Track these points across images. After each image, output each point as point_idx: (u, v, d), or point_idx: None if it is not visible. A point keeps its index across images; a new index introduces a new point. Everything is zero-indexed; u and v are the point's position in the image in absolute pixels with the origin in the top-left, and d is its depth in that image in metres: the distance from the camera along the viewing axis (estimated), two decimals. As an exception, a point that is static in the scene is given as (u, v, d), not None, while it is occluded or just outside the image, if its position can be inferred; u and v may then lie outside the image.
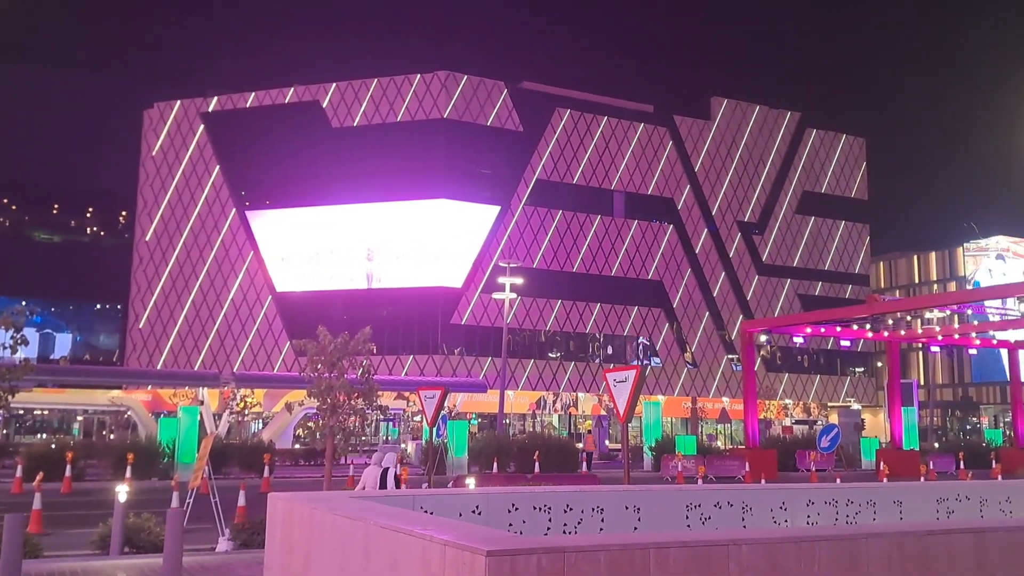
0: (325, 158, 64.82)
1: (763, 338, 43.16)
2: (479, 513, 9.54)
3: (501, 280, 47.23)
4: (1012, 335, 42.99)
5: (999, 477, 29.65)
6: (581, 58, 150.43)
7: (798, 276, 76.40)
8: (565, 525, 9.97)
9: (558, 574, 5.33)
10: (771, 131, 77.39)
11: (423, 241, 62.56)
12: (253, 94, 68.16)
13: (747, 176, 75.68)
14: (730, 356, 71.08)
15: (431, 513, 9.03)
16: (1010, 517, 13.35)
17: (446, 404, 45.91)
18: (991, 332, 43.69)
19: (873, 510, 12.48)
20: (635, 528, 10.37)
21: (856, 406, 71.81)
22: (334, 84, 66.93)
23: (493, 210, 64.57)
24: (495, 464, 30.33)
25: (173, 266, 67.07)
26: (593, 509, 10.27)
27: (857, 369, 77.97)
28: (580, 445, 39.46)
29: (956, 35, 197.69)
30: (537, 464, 30.38)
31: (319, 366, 16.86)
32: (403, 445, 42.96)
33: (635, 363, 63.60)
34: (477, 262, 63.32)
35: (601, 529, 10.12)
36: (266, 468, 26.65)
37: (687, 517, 10.86)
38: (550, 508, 9.98)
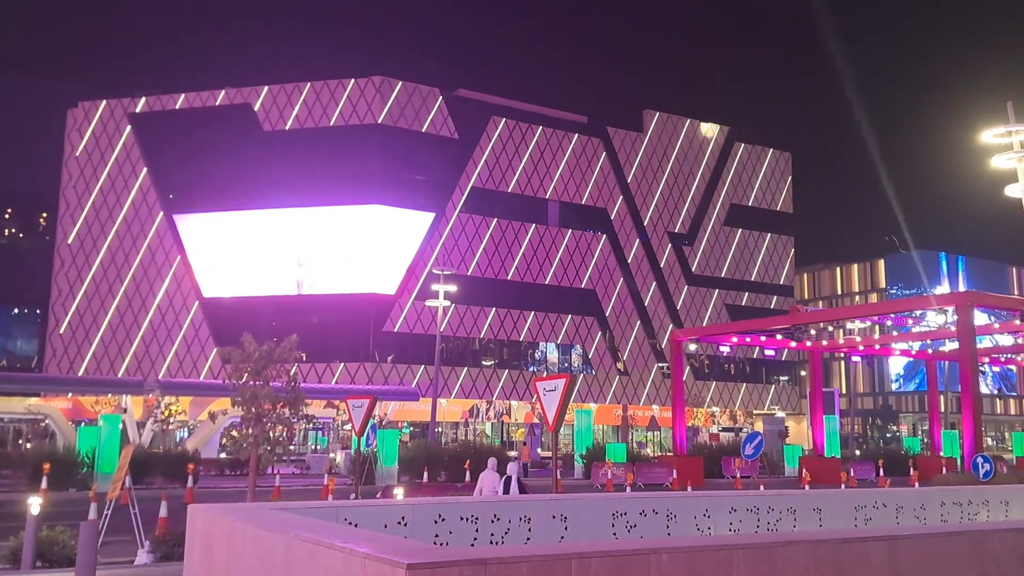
0: (256, 162, 63.78)
1: (692, 347, 43.85)
2: (405, 524, 9.45)
3: (435, 287, 47.08)
4: (930, 346, 44.57)
5: (916, 484, 30.57)
6: (517, 68, 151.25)
7: (726, 286, 77.95)
8: (492, 535, 9.94)
9: (481, 587, 5.31)
10: (701, 144, 78.90)
11: (355, 247, 61.96)
12: (183, 95, 66.72)
13: (677, 188, 76.99)
14: (660, 364, 72.06)
15: (355, 525, 8.92)
16: (924, 524, 13.81)
17: (376, 413, 45.53)
18: (910, 343, 45.25)
19: (793, 517, 12.76)
20: (562, 537, 10.41)
21: (780, 414, 73.45)
22: (266, 87, 65.93)
23: (427, 217, 64.37)
24: (425, 473, 30.12)
25: (96, 270, 65.15)
26: (520, 519, 10.27)
27: (782, 378, 79.84)
28: (513, 453, 39.48)
29: (879, 53, 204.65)
30: (468, 473, 30.29)
31: (244, 374, 16.56)
32: (331, 455, 42.40)
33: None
34: (411, 269, 63.01)
35: (528, 539, 10.13)
36: (190, 478, 26.00)
37: (613, 525, 10.95)
38: (477, 518, 9.95)
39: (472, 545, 9.55)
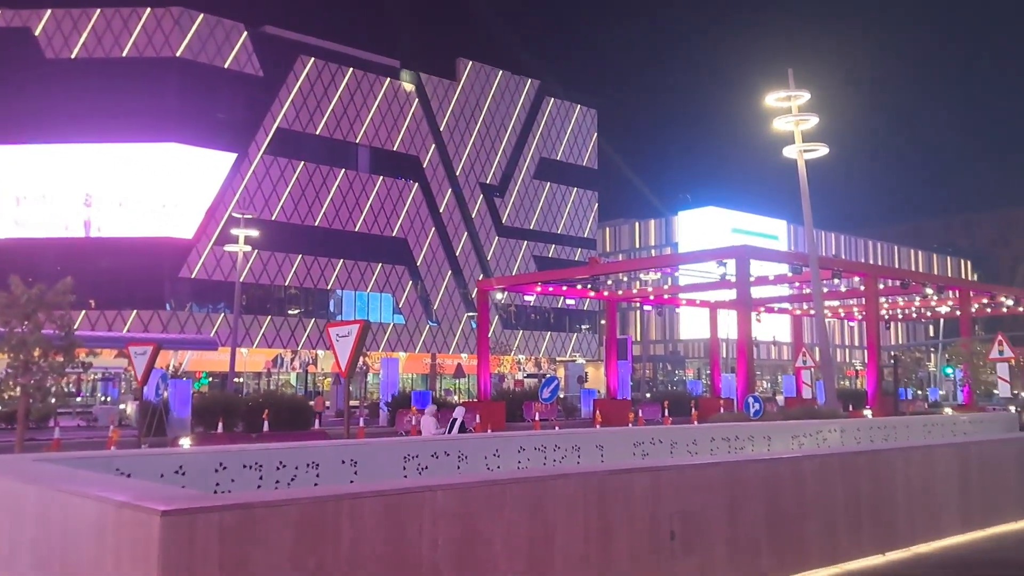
0: (37, 92, 58.29)
1: (499, 296, 44.79)
2: (183, 473, 9.11)
3: (235, 232, 45.19)
4: (712, 296, 47.84)
5: (696, 423, 32.86)
6: (327, 6, 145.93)
7: (534, 238, 79.90)
8: (277, 483, 9.77)
9: (244, 532, 5.19)
10: (512, 96, 79.75)
11: (150, 188, 58.33)
12: (-55, 12, 59.68)
13: (489, 139, 77.63)
14: (470, 314, 73.12)
15: (128, 475, 8.51)
16: (694, 456, 14.91)
17: (172, 362, 43.47)
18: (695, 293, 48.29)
19: (578, 454, 13.40)
20: (351, 481, 10.40)
21: (581, 360, 76.72)
22: (49, 11, 60.12)
23: (229, 157, 61.41)
24: (220, 424, 29.19)
25: None
26: (308, 465, 10.14)
27: (584, 326, 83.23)
28: (312, 403, 39.05)
29: (681, 21, 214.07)
30: (266, 423, 29.64)
31: (11, 320, 15.22)
32: (122, 406, 40.15)
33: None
34: (210, 212, 60.06)
35: (316, 485, 10.05)
36: (-46, 434, 23.83)
37: (404, 468, 11.05)
38: (261, 466, 9.73)
39: (255, 492, 9.34)
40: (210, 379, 58.02)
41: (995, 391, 33.53)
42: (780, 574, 8.76)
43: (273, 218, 61.99)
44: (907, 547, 10.12)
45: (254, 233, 46.82)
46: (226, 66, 61.96)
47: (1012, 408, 28.69)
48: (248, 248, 47.53)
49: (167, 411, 28.45)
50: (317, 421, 34.32)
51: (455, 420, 18.42)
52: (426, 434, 18.03)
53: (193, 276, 59.35)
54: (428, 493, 6.32)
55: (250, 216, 47.99)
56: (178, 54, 59.99)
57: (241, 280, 46.89)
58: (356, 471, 10.53)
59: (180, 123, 59.26)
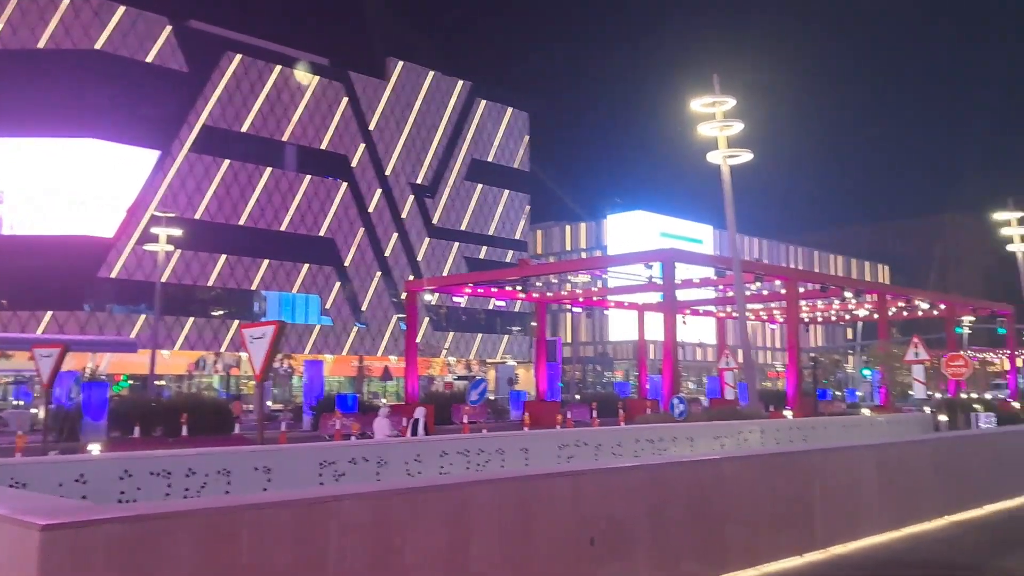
0: (-56, 82, 55.80)
1: (427, 297, 44.42)
2: (84, 482, 8.66)
3: (156, 231, 43.87)
4: (640, 298, 48.28)
5: (623, 423, 33.05)
6: (256, 2, 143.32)
7: (465, 240, 79.62)
8: (187, 491, 9.39)
9: (137, 547, 4.88)
10: (443, 97, 79.38)
11: (68, 184, 56.26)
12: None
13: (420, 140, 77.12)
14: (400, 316, 72.41)
15: (24, 485, 8.05)
16: (618, 459, 14.89)
17: (90, 364, 41.93)
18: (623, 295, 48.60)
19: (502, 458, 13.23)
20: (264, 489, 10.04)
21: (512, 362, 76.70)
22: (-43, -3, 57.63)
23: (151, 155, 59.65)
24: (137, 428, 28.21)
25: None
26: (219, 472, 9.76)
27: (515, 328, 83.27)
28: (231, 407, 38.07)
29: (612, 26, 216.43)
30: (185, 427, 28.77)
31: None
32: (35, 410, 38.55)
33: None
34: (132, 210, 58.23)
35: (227, 492, 9.68)
36: None
37: (320, 475, 10.74)
38: (170, 473, 9.34)
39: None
40: (131, 382, 56.26)
41: (910, 392, 34.46)
42: (700, 578, 8.73)
43: (197, 217, 60.45)
44: (825, 548, 10.21)
45: (177, 232, 45.56)
46: (149, 60, 60.22)
47: (927, 409, 29.53)
48: (170, 247, 46.21)
49: (80, 416, 27.37)
50: (238, 426, 33.44)
51: (416, 420, 18.36)
52: (379, 436, 18.05)
53: (113, 276, 57.47)
54: (334, 502, 6.07)
55: (173, 215, 46.66)
56: (98, 47, 58.08)
57: (163, 280, 45.56)
58: (270, 478, 10.18)
59: (99, 118, 57.32)
